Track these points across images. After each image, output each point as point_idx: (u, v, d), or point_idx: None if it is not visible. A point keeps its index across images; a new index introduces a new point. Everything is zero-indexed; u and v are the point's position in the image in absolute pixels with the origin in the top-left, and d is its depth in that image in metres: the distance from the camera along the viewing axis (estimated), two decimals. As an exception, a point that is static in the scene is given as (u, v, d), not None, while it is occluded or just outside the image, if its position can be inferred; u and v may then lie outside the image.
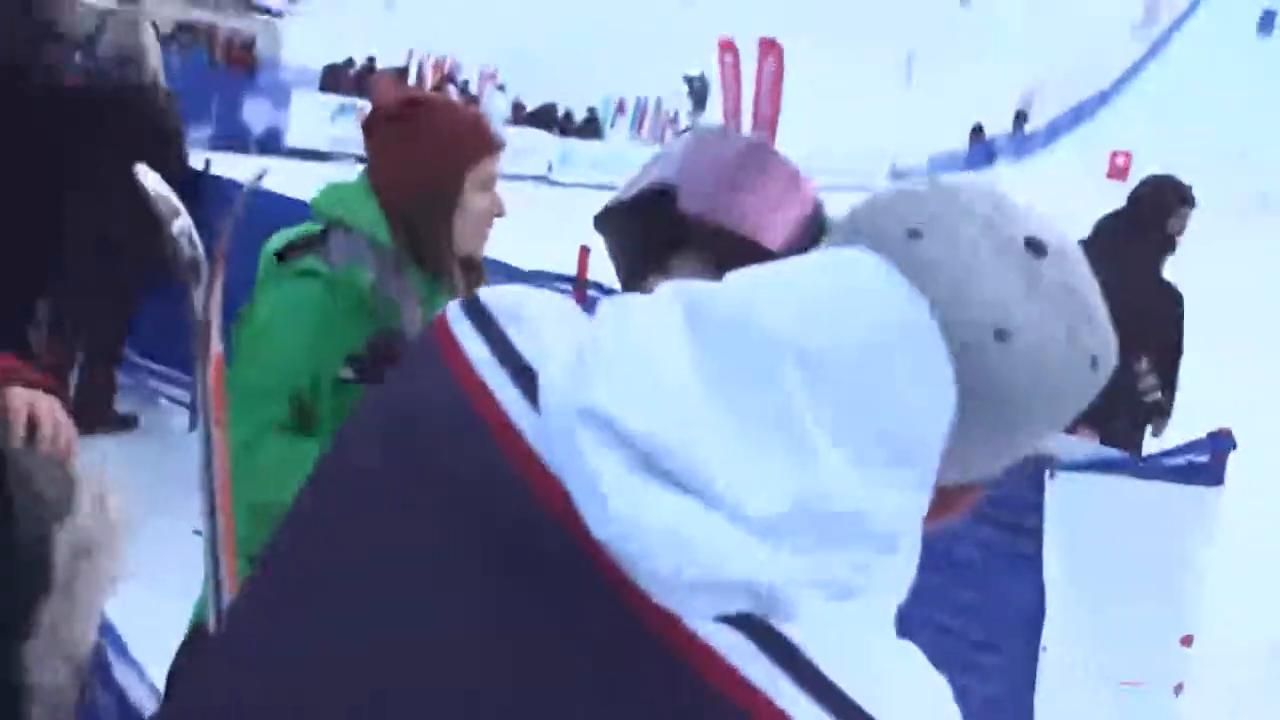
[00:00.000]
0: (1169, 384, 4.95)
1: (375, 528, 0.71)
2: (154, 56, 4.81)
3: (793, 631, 0.64)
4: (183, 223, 1.73)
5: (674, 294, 0.70)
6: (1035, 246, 0.72)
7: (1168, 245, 4.60)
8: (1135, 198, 4.79)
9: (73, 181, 4.51)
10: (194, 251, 1.75)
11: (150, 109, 4.68)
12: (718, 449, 0.64)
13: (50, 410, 1.30)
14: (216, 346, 1.78)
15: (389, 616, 0.68)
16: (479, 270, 2.07)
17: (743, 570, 0.62)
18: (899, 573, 0.69)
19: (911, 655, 0.69)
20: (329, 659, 0.69)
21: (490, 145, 2.00)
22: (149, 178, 1.72)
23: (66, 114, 4.48)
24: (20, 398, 1.31)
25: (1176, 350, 4.92)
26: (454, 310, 0.78)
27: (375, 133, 2.01)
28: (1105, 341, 0.74)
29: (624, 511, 0.63)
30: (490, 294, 0.78)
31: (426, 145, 1.94)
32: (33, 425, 1.28)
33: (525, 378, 0.71)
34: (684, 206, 1.34)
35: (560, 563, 0.65)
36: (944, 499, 0.73)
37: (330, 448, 0.80)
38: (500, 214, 2.02)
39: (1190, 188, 4.70)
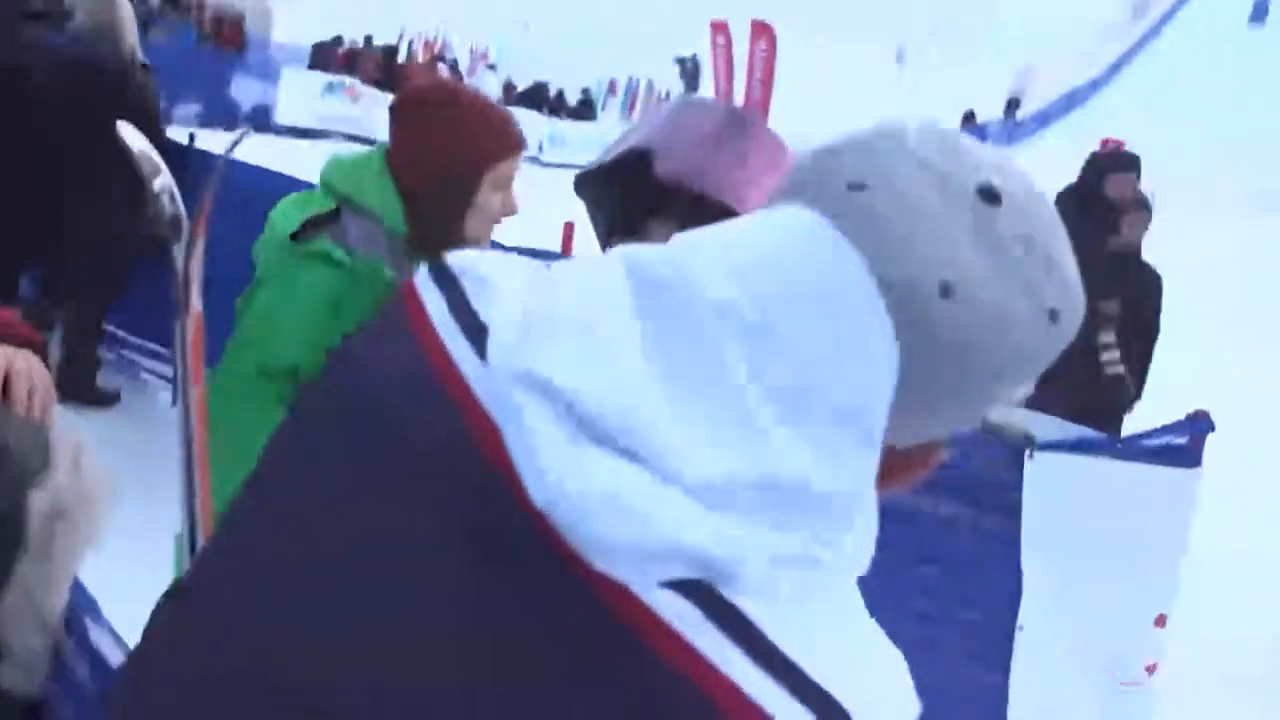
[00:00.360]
0: (1144, 364, 4.99)
1: (343, 498, 0.70)
2: (129, 30, 4.77)
3: (745, 603, 0.62)
4: (164, 180, 1.74)
5: (620, 257, 0.69)
6: (988, 194, 0.68)
7: (1112, 210, 4.62)
8: (1084, 166, 4.85)
9: (53, 155, 4.50)
10: (175, 208, 1.75)
11: (126, 82, 4.65)
12: (657, 414, 0.62)
13: (27, 370, 1.27)
14: (196, 305, 1.78)
15: (362, 600, 0.66)
16: None
17: (683, 534, 0.61)
18: (856, 543, 0.67)
19: (866, 629, 0.68)
20: (305, 640, 0.67)
21: (515, 146, 2.02)
22: (132, 137, 1.72)
23: (42, 88, 4.46)
24: None
25: (1153, 330, 4.96)
26: (422, 274, 0.77)
27: (405, 116, 2.01)
28: (1066, 293, 0.71)
29: (560, 475, 0.62)
30: (456, 257, 0.77)
31: (454, 137, 1.95)
32: (7, 384, 1.27)
33: (482, 339, 0.70)
34: (661, 171, 1.34)
35: (517, 538, 0.64)
36: (901, 460, 0.72)
37: (293, 412, 0.78)
38: (512, 213, 2.03)
39: (1137, 157, 4.74)
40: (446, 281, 0.75)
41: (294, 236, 1.91)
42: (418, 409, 0.69)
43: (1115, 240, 4.96)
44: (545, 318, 0.66)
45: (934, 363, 0.67)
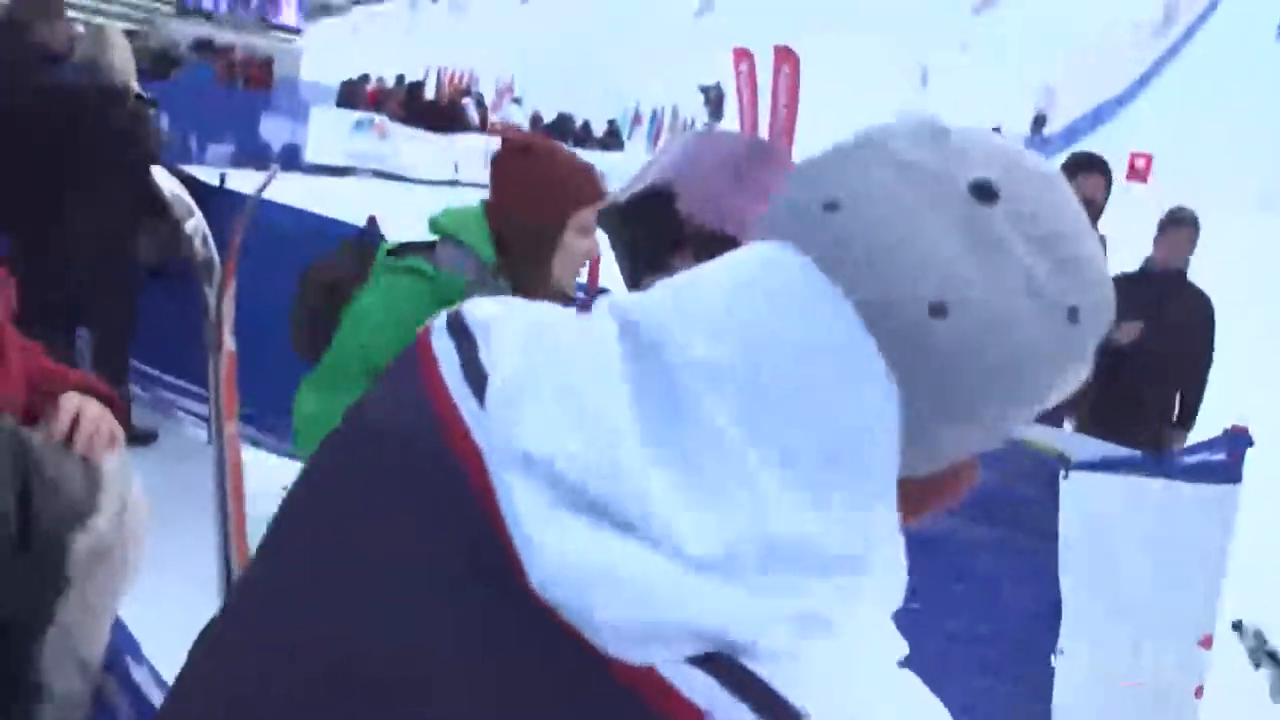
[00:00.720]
0: (1190, 391, 4.91)
1: (360, 530, 0.69)
2: (122, 63, 4.91)
3: (767, 671, 0.58)
4: (196, 223, 1.77)
5: (609, 311, 0.66)
6: (983, 191, 0.62)
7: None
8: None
9: (56, 184, 4.64)
10: (207, 252, 1.79)
11: (118, 111, 4.78)
12: (653, 485, 0.59)
13: (97, 416, 1.34)
14: (229, 345, 1.81)
15: (373, 631, 0.65)
16: (568, 302, 2.18)
17: (687, 611, 0.57)
18: (882, 589, 0.63)
19: (905, 684, 0.63)
20: (327, 665, 0.67)
21: (597, 195, 2.18)
22: (165, 180, 1.75)
23: (46, 120, 4.63)
24: (71, 400, 1.36)
25: (1201, 357, 4.88)
26: (437, 324, 0.76)
27: (501, 167, 2.21)
28: (1088, 289, 0.64)
29: (554, 554, 0.58)
30: (470, 306, 0.76)
31: (543, 186, 2.15)
32: (74, 427, 1.32)
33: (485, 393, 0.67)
34: (681, 208, 1.35)
35: (523, 614, 0.60)
36: (925, 489, 0.68)
37: (313, 459, 0.78)
38: (595, 256, 2.20)
39: (1106, 161, 4.71)
40: (460, 334, 0.73)
41: (390, 253, 2.14)
42: (422, 456, 0.68)
43: (1156, 259, 4.90)
44: (538, 381, 0.64)
45: (938, 383, 0.62)
